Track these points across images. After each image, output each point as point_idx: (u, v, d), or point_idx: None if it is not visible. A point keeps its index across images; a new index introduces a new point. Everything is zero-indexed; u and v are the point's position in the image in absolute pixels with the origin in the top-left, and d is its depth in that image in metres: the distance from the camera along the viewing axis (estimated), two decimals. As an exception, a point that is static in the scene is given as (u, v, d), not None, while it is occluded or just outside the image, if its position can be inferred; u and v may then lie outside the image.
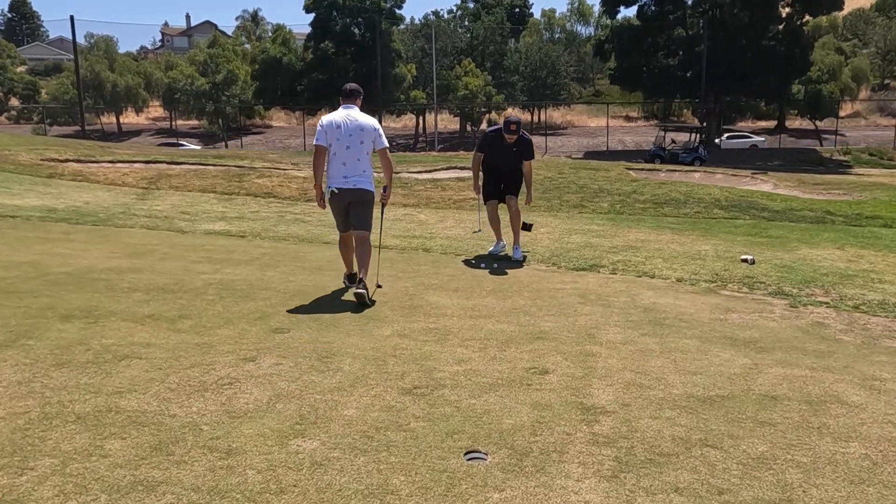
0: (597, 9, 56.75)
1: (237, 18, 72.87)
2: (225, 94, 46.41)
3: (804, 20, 43.09)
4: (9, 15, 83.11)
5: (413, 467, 2.88)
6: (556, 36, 68.97)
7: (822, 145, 45.56)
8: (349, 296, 5.59)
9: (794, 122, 52.46)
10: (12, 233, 7.96)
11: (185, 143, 42.28)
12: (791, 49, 40.63)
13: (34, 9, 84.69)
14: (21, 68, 55.42)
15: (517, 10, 67.18)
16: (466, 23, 59.64)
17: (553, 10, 69.40)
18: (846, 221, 11.32)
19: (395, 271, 6.59)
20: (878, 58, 58.69)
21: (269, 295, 5.54)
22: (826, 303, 5.95)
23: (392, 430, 3.22)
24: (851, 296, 6.17)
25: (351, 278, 5.89)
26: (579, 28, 71.79)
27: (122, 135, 48.18)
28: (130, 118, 52.30)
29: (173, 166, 14.96)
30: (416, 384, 3.77)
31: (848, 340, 4.90)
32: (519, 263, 7.26)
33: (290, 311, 5.09)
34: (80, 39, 52.21)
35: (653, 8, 43.30)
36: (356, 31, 46.71)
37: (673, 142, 36.12)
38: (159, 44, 79.94)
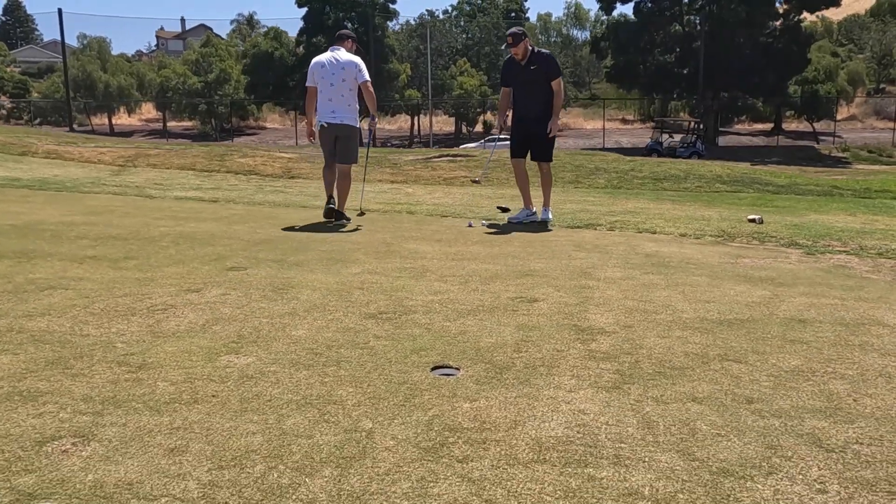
0: (593, 12, 56.38)
1: (232, 22, 72.25)
2: (217, 93, 45.82)
3: (801, 17, 42.71)
4: (3, 18, 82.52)
5: (367, 380, 2.33)
6: (553, 40, 68.57)
7: (819, 145, 45.08)
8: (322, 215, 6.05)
9: (791, 125, 52.04)
10: (-35, 195, 7.41)
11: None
12: (789, 46, 40.20)
13: (28, 12, 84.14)
14: (14, 68, 54.77)
15: (513, 14, 66.75)
16: (462, 23, 59.22)
17: (549, 14, 68.85)
18: (855, 194, 10.78)
19: (374, 227, 6.04)
20: (874, 62, 58.41)
21: (231, 243, 4.99)
22: (846, 251, 5.39)
23: (347, 347, 2.67)
24: (872, 246, 5.60)
25: (329, 202, 6.21)
26: (575, 32, 71.35)
27: (113, 136, 47.47)
28: (122, 119, 51.64)
29: (154, 150, 14.41)
30: (382, 310, 3.22)
31: (877, 278, 4.33)
32: (545, 225, 6.57)
33: (250, 255, 4.54)
34: (73, 41, 51.64)
35: (649, 4, 42.88)
36: (349, 25, 46.22)
37: (671, 136, 35.72)
38: (154, 48, 79.38)
